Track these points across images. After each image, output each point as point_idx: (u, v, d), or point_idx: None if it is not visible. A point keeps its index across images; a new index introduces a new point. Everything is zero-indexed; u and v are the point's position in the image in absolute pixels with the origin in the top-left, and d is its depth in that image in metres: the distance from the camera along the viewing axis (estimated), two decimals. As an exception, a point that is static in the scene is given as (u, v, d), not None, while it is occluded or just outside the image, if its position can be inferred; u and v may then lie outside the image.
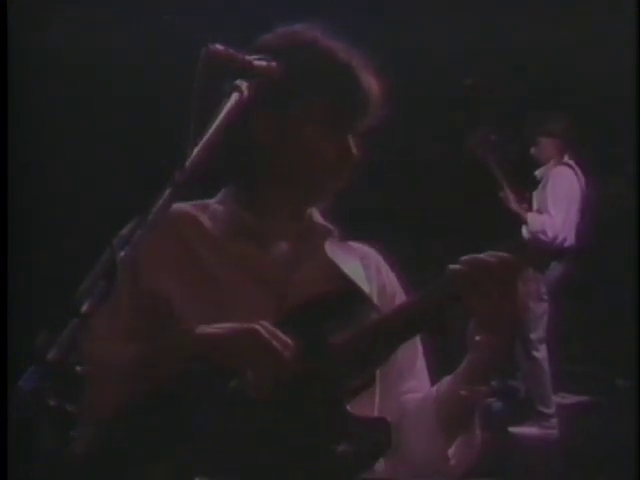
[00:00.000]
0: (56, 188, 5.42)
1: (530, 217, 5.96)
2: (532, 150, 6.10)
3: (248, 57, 1.60)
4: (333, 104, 1.78)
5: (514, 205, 5.97)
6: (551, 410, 6.01)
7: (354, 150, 1.80)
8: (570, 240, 5.97)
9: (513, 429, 6.04)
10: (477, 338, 1.74)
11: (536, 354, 6.00)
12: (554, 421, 5.97)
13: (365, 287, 1.85)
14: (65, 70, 5.38)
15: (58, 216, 5.29)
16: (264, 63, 1.62)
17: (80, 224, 4.82)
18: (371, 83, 1.80)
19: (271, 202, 1.84)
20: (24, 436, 1.29)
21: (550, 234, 5.84)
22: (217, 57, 1.55)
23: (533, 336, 5.97)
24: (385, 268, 1.94)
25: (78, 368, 1.31)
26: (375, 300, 1.85)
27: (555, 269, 5.95)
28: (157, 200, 1.44)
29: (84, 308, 1.32)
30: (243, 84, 1.56)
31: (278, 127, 1.77)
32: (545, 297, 5.98)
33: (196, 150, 1.47)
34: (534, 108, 6.14)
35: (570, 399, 6.66)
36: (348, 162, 1.80)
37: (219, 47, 1.55)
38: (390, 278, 1.94)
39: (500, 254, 1.70)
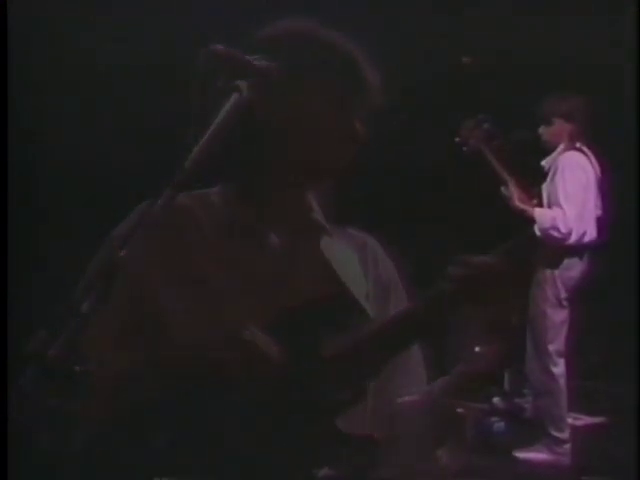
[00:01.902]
0: (56, 188, 5.42)
1: (537, 213, 5.30)
2: (540, 130, 5.51)
3: (248, 57, 1.61)
4: (335, 91, 1.78)
5: (518, 203, 5.32)
6: (565, 435, 5.38)
7: (360, 130, 1.80)
8: (591, 234, 5.37)
9: (519, 454, 5.42)
10: (476, 349, 1.73)
11: (554, 369, 5.35)
12: (567, 447, 5.35)
13: (361, 287, 1.84)
14: (65, 70, 5.38)
15: (58, 216, 5.29)
16: (264, 63, 1.62)
17: (80, 224, 4.81)
18: (371, 71, 1.81)
19: (272, 188, 1.83)
20: (24, 436, 1.29)
21: (563, 229, 5.24)
22: (217, 57, 1.55)
23: (551, 348, 5.35)
24: (382, 257, 1.94)
25: (78, 368, 1.31)
26: (370, 296, 1.85)
27: (575, 268, 5.39)
28: (157, 200, 1.44)
29: (84, 308, 1.33)
30: (243, 84, 1.56)
31: (281, 110, 1.76)
32: (565, 303, 5.39)
33: (196, 150, 1.48)
34: (533, 108, 6.09)
35: (583, 420, 5.93)
36: (353, 143, 1.80)
37: (219, 47, 1.56)
38: (386, 267, 1.94)
39: (487, 258, 1.69)
